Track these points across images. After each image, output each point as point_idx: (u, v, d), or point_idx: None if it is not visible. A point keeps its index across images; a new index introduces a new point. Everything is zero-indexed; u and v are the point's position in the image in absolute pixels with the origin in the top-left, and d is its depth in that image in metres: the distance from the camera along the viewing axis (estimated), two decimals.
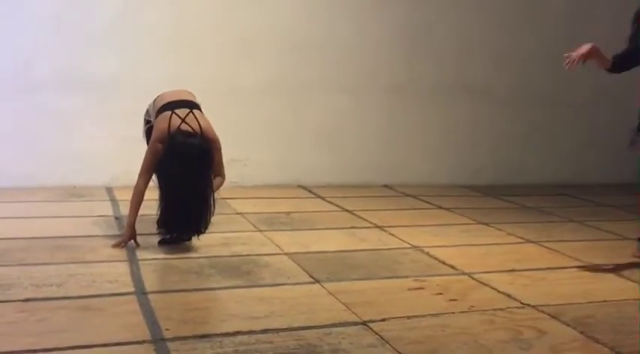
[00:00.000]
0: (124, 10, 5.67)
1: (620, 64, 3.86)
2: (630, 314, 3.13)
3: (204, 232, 3.88)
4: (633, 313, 3.14)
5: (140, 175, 3.92)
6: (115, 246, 3.89)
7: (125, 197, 4.17)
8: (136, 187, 3.92)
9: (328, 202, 5.55)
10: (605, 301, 3.31)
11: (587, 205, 5.92)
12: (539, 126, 6.86)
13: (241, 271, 3.56)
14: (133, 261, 3.65)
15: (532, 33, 6.71)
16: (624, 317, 3.10)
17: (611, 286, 3.57)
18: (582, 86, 6.74)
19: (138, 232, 3.94)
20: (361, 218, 4.95)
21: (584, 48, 3.78)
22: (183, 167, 3.72)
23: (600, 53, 3.82)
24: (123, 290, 3.18)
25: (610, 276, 3.74)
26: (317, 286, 3.37)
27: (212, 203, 3.83)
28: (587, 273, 3.80)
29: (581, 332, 2.88)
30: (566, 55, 3.86)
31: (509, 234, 4.64)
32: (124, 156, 5.31)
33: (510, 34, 6.66)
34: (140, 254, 3.77)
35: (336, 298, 3.18)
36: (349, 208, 5.26)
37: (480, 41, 6.60)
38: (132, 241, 3.92)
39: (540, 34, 6.71)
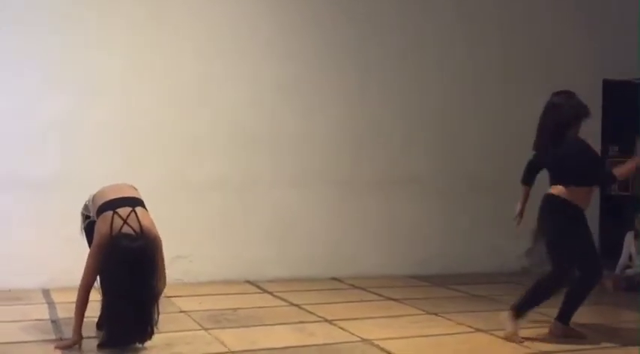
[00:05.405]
0: (71, 107, 5.60)
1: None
2: None
3: (149, 339, 3.73)
4: None
5: (83, 279, 3.77)
6: (58, 348, 3.69)
7: (63, 299, 3.99)
8: (79, 292, 3.77)
9: (276, 296, 5.43)
10: None
11: None
12: (484, 215, 6.94)
13: None
14: None
15: (478, 120, 6.89)
16: None
17: None
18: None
19: None
20: (310, 312, 4.85)
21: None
22: (128, 272, 3.59)
23: None
24: None
25: None
26: None
27: (157, 309, 3.72)
28: None
29: None
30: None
31: (459, 324, 4.60)
32: (64, 256, 5.12)
33: (457, 123, 6.84)
34: None
35: None
36: (297, 303, 5.16)
37: (427, 132, 6.74)
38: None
39: (485, 122, 6.89)
